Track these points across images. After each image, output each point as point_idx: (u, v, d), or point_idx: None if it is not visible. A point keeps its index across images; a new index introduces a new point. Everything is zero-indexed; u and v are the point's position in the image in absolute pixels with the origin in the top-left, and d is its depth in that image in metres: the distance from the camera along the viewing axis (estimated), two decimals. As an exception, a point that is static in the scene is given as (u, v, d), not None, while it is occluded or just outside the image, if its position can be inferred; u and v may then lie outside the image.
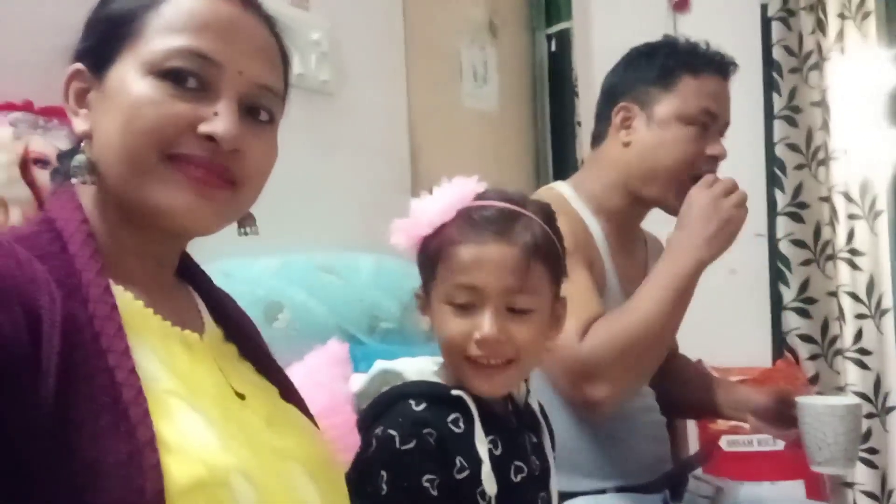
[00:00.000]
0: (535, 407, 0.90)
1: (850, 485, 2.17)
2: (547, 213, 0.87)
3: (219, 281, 1.23)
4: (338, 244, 1.60)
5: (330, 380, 1.15)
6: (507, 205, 0.84)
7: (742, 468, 2.18)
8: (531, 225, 0.83)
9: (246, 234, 0.69)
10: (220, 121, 0.60)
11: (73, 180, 0.61)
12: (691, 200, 1.14)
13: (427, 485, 0.75)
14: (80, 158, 0.61)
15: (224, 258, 1.27)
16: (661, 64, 1.26)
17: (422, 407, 0.79)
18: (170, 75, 0.60)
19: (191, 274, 0.73)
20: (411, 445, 0.76)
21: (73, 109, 0.64)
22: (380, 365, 0.87)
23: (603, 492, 1.09)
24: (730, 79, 1.28)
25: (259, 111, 0.65)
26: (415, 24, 1.99)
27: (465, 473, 0.77)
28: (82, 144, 0.63)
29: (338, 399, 1.10)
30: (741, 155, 2.32)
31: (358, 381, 0.88)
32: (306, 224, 1.59)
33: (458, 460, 0.77)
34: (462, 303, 0.80)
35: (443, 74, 2.19)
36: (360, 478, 0.78)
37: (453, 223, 0.82)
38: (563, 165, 2.45)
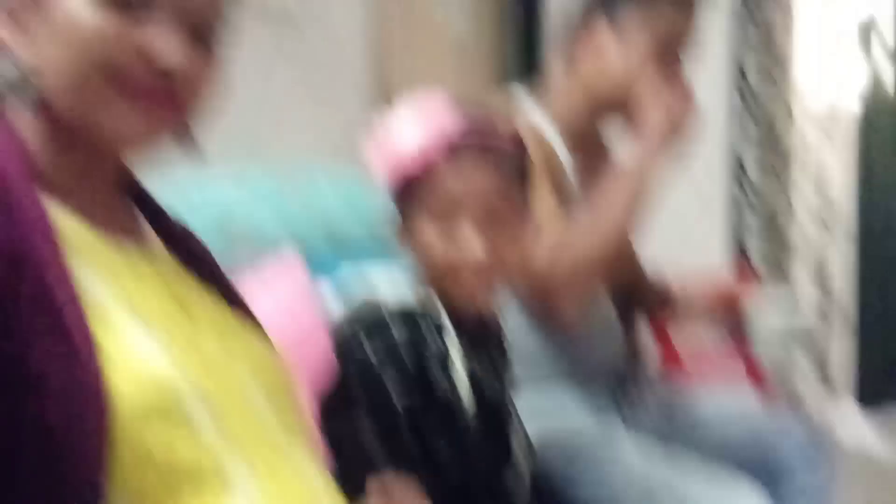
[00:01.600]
0: (503, 325, 0.92)
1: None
2: (517, 142, 0.88)
3: (171, 191, 1.22)
4: (294, 152, 1.58)
5: (285, 291, 1.16)
6: (483, 124, 0.84)
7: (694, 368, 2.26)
8: (506, 142, 0.85)
9: (187, 152, 0.68)
10: (166, 43, 0.60)
11: (4, 92, 0.59)
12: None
13: (399, 408, 0.77)
14: (10, 71, 0.59)
15: (176, 167, 1.24)
16: None
17: (400, 328, 0.79)
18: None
19: (134, 190, 0.72)
20: (387, 368, 0.77)
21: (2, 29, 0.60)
22: (352, 281, 0.87)
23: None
24: None
25: (203, 32, 0.63)
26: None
27: (443, 391, 0.79)
28: (14, 63, 0.60)
29: (293, 309, 1.11)
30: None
31: (330, 297, 0.87)
32: (262, 132, 1.55)
33: (436, 379, 0.79)
34: (444, 223, 0.80)
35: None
36: (338, 394, 0.79)
37: (432, 145, 0.81)
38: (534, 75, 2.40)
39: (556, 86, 1.25)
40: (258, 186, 1.32)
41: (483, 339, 0.87)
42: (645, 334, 1.52)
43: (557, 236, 1.06)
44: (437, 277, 0.82)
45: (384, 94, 1.97)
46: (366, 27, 1.90)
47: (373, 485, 0.58)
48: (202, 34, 0.63)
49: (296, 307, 1.08)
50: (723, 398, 2.23)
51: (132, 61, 0.59)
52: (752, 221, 2.28)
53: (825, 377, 2.24)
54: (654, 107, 1.10)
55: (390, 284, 0.85)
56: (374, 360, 0.77)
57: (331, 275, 1.30)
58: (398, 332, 0.79)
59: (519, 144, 0.87)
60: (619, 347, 1.29)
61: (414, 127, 0.82)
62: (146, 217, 0.72)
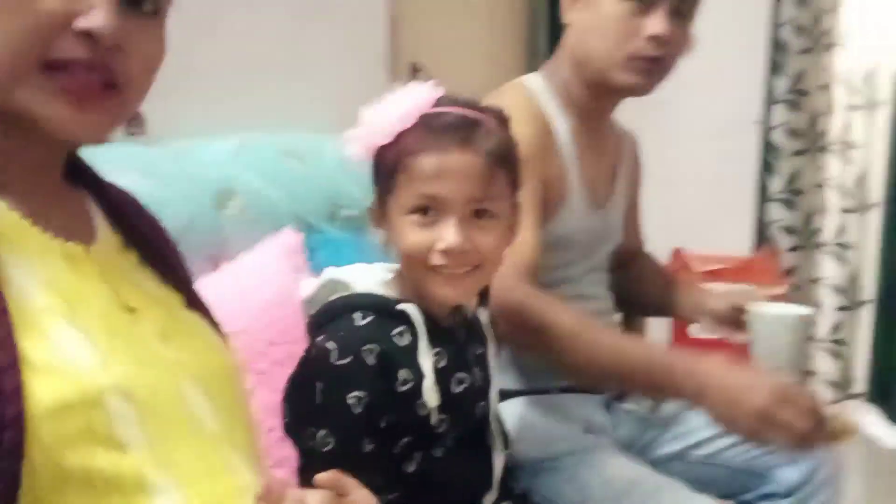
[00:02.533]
0: (483, 319, 0.90)
1: (812, 374, 2.23)
2: (503, 119, 0.84)
3: (168, 164, 1.21)
4: (305, 126, 1.55)
5: (280, 272, 1.16)
6: (467, 111, 0.80)
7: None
8: (491, 131, 0.80)
9: (132, 135, 0.65)
10: (96, 14, 0.55)
11: None
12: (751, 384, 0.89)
13: (352, 401, 0.75)
14: None
15: (175, 139, 1.23)
16: None
17: (366, 321, 0.78)
18: None
19: (85, 177, 0.69)
20: (346, 361, 0.76)
21: None
22: (329, 273, 0.85)
23: (546, 391, 1.11)
24: None
25: (142, 1, 0.59)
26: None
27: (409, 386, 0.78)
28: None
29: (285, 292, 1.10)
30: (742, 37, 2.23)
31: (307, 287, 0.86)
32: (270, 102, 1.52)
33: (402, 374, 0.77)
34: (425, 212, 0.78)
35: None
36: (298, 383, 0.79)
37: (413, 131, 0.78)
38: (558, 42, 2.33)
39: (558, 50, 1.20)
40: (260, 159, 1.30)
41: (457, 334, 0.85)
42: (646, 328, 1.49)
43: (529, 256, 1.01)
44: (413, 264, 0.80)
45: (403, 66, 1.93)
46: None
47: (324, 478, 0.57)
48: (138, 4, 0.58)
49: (286, 293, 1.07)
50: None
51: (61, 35, 0.55)
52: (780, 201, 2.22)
53: (843, 377, 2.20)
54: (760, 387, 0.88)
55: (367, 277, 0.84)
56: (333, 350, 0.76)
57: (325, 248, 1.29)
58: (361, 323, 0.78)
59: (507, 127, 0.83)
60: None
61: (399, 115, 0.79)
62: (97, 202, 0.69)
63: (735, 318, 1.19)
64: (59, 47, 0.55)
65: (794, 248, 2.24)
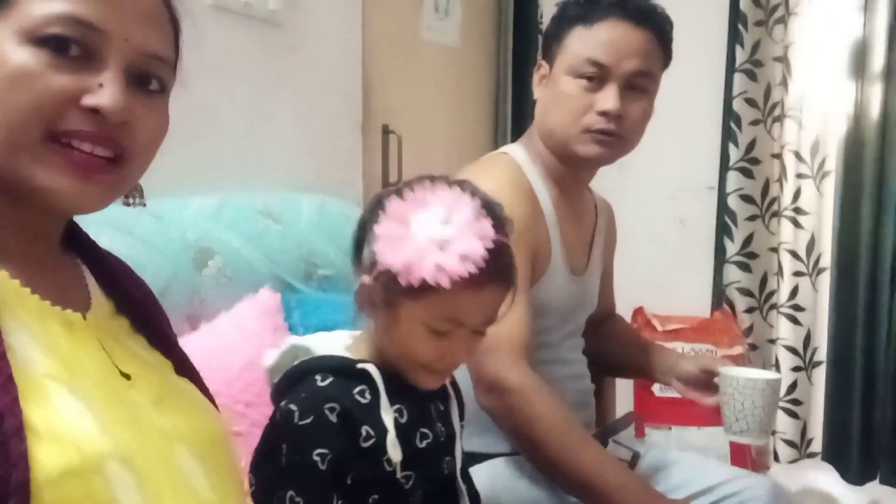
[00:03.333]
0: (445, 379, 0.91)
1: (772, 432, 2.28)
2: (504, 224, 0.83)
3: (149, 224, 1.21)
4: (281, 184, 1.57)
5: (259, 332, 1.16)
6: (499, 247, 0.79)
7: (672, 413, 2.27)
8: (510, 259, 0.82)
9: (130, 205, 0.66)
10: (105, 92, 0.57)
11: None
12: None
13: (317, 459, 0.75)
14: None
15: (155, 198, 1.23)
16: (556, 16, 1.19)
17: (327, 382, 0.80)
18: (49, 43, 0.56)
19: (78, 244, 0.70)
20: (308, 420, 0.77)
21: None
22: (290, 340, 0.87)
23: (517, 454, 1.12)
24: (646, 25, 1.15)
25: (148, 80, 0.61)
26: (374, -50, 1.91)
27: (372, 442, 0.79)
28: None
29: (262, 353, 1.10)
30: (699, 106, 2.34)
31: (270, 356, 0.87)
32: (247, 162, 1.54)
33: (364, 430, 0.78)
34: (441, 332, 0.79)
35: (402, 4, 2.11)
36: (263, 449, 0.79)
37: (465, 280, 0.75)
38: (523, 107, 2.42)
39: (533, 121, 1.25)
40: (239, 219, 1.31)
41: (419, 391, 0.86)
42: (620, 389, 1.52)
43: (523, 338, 1.04)
44: (405, 363, 0.82)
45: (374, 122, 1.97)
46: (361, 53, 1.89)
47: None
48: (145, 83, 0.61)
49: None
50: (696, 437, 2.23)
51: (69, 110, 0.56)
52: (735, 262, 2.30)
53: (800, 436, 2.26)
54: None
55: (328, 342, 0.86)
56: (295, 411, 0.77)
57: (302, 308, 1.29)
58: (322, 384, 0.79)
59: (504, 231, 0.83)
60: (590, 413, 1.28)
61: (448, 231, 0.76)
62: (89, 268, 0.69)
63: (705, 381, 1.23)
64: (67, 120, 0.57)
65: (750, 310, 2.31)
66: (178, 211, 1.24)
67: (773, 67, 2.26)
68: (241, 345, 1.10)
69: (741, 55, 2.24)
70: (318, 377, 0.80)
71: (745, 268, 2.30)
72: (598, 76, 1.14)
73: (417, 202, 0.77)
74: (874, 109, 2.09)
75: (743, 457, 2.10)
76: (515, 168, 1.20)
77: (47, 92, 0.56)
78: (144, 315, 0.71)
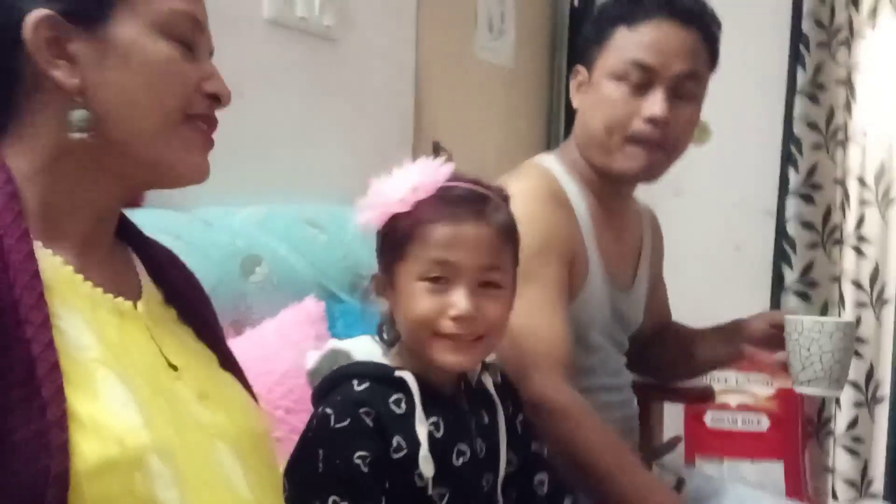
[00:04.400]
0: (489, 386, 0.89)
1: (830, 470, 2.18)
2: (505, 197, 0.87)
3: (198, 230, 1.23)
4: (329, 197, 1.58)
5: (302, 339, 1.15)
6: (476, 186, 0.84)
7: (724, 445, 2.19)
8: (500, 206, 0.84)
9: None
10: (218, 80, 0.66)
11: (74, 135, 0.60)
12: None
13: (359, 462, 0.74)
14: (81, 114, 0.60)
15: (206, 206, 1.25)
16: (596, 18, 1.14)
17: (363, 387, 0.79)
18: (178, 39, 0.64)
19: (130, 234, 0.72)
20: (345, 424, 0.76)
21: (47, 59, 0.60)
22: (331, 344, 0.87)
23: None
24: (694, 25, 1.08)
25: None
26: (429, -31, 1.92)
27: (403, 454, 0.77)
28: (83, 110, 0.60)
29: (304, 360, 1.10)
30: (758, 129, 2.28)
31: (311, 358, 0.87)
32: (297, 174, 1.56)
33: (396, 440, 0.77)
34: (436, 280, 0.79)
35: (456, 23, 2.12)
36: (299, 455, 0.78)
37: (429, 201, 0.81)
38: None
39: (572, 131, 1.22)
40: (286, 228, 1.32)
41: (459, 403, 0.84)
42: (670, 418, 1.46)
43: (566, 352, 1.01)
44: (419, 331, 0.81)
45: (425, 144, 1.98)
46: (414, 70, 1.91)
47: None
48: None
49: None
50: (749, 471, 2.14)
51: (195, 95, 0.65)
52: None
53: (861, 475, 2.15)
54: None
55: (367, 347, 0.85)
56: (331, 414, 0.76)
57: (346, 318, 1.29)
58: (358, 389, 0.78)
59: (509, 204, 0.86)
60: (633, 439, 1.23)
61: (414, 186, 0.81)
62: (140, 258, 0.71)
63: (778, 338, 1.12)
64: (195, 104, 0.66)
65: (808, 341, 2.22)
66: (228, 218, 1.26)
67: (837, 90, 2.19)
68: (284, 351, 1.10)
69: (802, 77, 2.18)
70: (354, 381, 0.80)
71: (804, 297, 2.21)
72: (643, 80, 1.07)
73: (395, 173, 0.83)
74: (944, 135, 2.01)
75: (799, 493, 2.01)
76: (549, 176, 1.15)
77: (188, 82, 0.64)
78: (192, 306, 0.72)
